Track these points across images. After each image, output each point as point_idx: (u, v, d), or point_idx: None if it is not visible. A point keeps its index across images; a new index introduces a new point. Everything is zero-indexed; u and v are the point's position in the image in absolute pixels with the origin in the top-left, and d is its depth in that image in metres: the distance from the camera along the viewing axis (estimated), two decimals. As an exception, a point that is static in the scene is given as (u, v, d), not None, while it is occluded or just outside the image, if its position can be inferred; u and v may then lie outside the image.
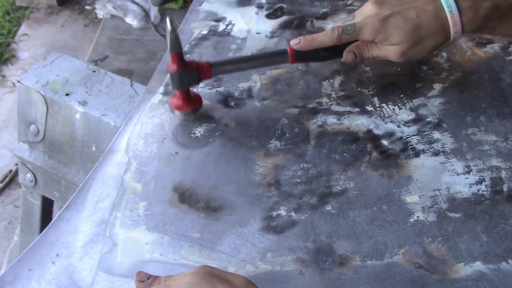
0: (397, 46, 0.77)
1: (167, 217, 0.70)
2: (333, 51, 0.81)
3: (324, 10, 1.04)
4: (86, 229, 0.70)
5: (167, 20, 0.75)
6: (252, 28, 1.00)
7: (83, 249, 0.68)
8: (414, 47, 0.77)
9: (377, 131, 0.80)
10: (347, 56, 0.81)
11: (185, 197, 0.73)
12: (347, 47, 0.81)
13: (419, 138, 0.79)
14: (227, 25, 1.01)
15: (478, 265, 0.64)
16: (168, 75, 0.91)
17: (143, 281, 0.58)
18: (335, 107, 0.84)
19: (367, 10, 0.78)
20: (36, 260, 0.67)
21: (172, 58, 0.77)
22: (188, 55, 0.95)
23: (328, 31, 0.79)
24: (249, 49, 0.95)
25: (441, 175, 0.74)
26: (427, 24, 0.76)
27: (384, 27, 0.76)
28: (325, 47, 0.80)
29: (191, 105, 0.82)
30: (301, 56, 0.81)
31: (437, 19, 0.76)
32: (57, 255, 0.66)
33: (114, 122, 0.94)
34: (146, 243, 0.68)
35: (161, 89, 0.88)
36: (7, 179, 2.01)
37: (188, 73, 0.78)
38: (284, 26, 1.00)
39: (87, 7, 2.77)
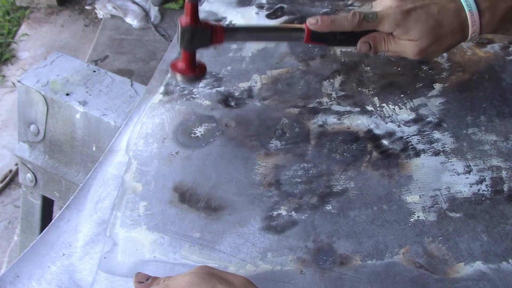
0: (415, 42, 0.77)
1: (168, 217, 0.70)
2: (349, 37, 0.79)
3: (324, 10, 1.04)
4: (86, 229, 0.70)
5: None
6: (253, 28, 1.00)
7: (84, 249, 0.68)
8: (432, 44, 0.77)
9: (377, 131, 0.80)
10: (361, 46, 0.79)
11: (185, 196, 0.73)
12: (363, 37, 0.79)
13: (420, 138, 0.79)
14: (228, 25, 1.01)
15: (479, 265, 0.64)
16: (169, 75, 0.91)
17: (142, 282, 0.58)
18: (336, 107, 0.84)
19: (387, 1, 0.77)
20: (37, 260, 0.67)
21: (186, 9, 0.72)
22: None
23: (349, 15, 0.77)
24: (250, 49, 0.95)
25: (441, 175, 0.74)
26: (448, 22, 0.75)
27: (406, 20, 0.75)
28: (343, 31, 0.78)
29: (195, 71, 0.77)
30: (316, 36, 0.78)
31: (457, 18, 0.76)
32: (63, 254, 0.66)
33: (114, 122, 0.94)
34: (147, 243, 0.68)
35: (162, 89, 0.88)
36: (7, 179, 2.01)
37: (201, 31, 0.73)
38: (284, 26, 1.00)
39: (87, 7, 2.77)
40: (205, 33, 0.74)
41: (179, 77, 0.77)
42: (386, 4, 0.77)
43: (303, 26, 0.78)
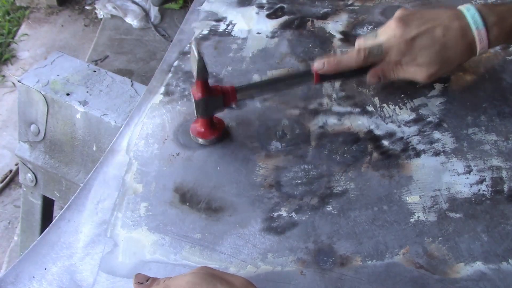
0: (423, 67, 0.76)
1: (168, 218, 0.70)
2: (357, 70, 0.80)
3: (325, 10, 1.04)
4: (87, 229, 0.70)
5: (193, 46, 0.72)
6: (253, 28, 1.00)
7: (84, 249, 0.68)
8: (441, 68, 0.76)
9: (377, 132, 0.80)
10: (371, 79, 0.80)
11: (186, 197, 0.73)
12: (372, 70, 0.79)
13: (420, 138, 0.79)
14: (228, 25, 1.01)
15: (479, 265, 0.64)
16: (170, 75, 0.91)
17: (142, 283, 0.58)
18: (336, 108, 0.84)
19: (391, 29, 0.76)
20: (37, 261, 0.67)
21: (198, 86, 0.74)
22: (189, 55, 0.94)
23: (354, 53, 0.77)
24: (250, 49, 0.95)
25: (441, 175, 0.74)
26: (454, 43, 0.74)
27: (411, 49, 0.75)
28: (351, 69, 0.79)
29: (215, 132, 0.79)
30: (325, 77, 0.80)
31: (463, 37, 0.74)
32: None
33: (115, 122, 0.94)
34: (147, 244, 0.68)
35: (162, 89, 0.88)
36: (7, 179, 2.01)
37: (213, 99, 0.75)
38: (284, 26, 1.00)
39: (87, 7, 2.77)
40: (218, 100, 0.76)
41: (202, 141, 0.79)
42: (390, 33, 0.76)
43: (310, 69, 0.79)
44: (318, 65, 0.78)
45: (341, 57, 0.78)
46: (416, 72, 0.77)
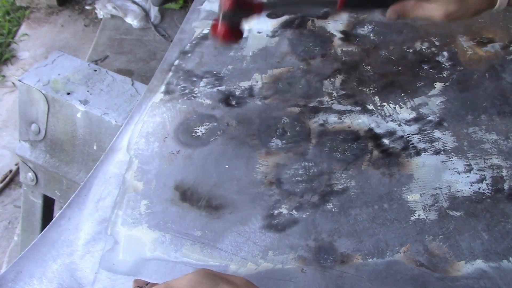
0: (443, 5, 0.75)
1: (169, 215, 0.70)
2: (381, 1, 0.79)
3: (325, 9, 1.04)
4: (87, 227, 0.70)
5: None
6: (253, 27, 1.00)
7: (85, 247, 0.68)
8: (459, 8, 0.75)
9: (378, 130, 0.80)
10: (391, 14, 0.79)
11: (186, 195, 0.73)
12: (393, 6, 0.78)
13: (420, 137, 0.79)
14: (228, 25, 1.01)
15: (479, 263, 0.64)
16: (170, 74, 0.91)
17: (142, 287, 0.58)
18: (336, 106, 0.84)
19: None
20: (38, 258, 0.67)
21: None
22: (189, 54, 0.95)
23: None
24: (250, 48, 0.95)
25: (442, 174, 0.74)
26: None
27: None
28: None
29: (236, 36, 0.79)
30: (350, 2, 0.79)
31: None
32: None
33: (115, 121, 0.94)
34: (148, 241, 0.68)
35: (163, 88, 0.88)
36: (7, 179, 2.01)
37: (241, 11, 0.76)
38: (285, 26, 1.00)
39: (87, 7, 2.77)
40: (246, 12, 0.76)
41: (221, 43, 0.79)
42: None
43: None
44: None
45: None
46: (434, 9, 0.76)
